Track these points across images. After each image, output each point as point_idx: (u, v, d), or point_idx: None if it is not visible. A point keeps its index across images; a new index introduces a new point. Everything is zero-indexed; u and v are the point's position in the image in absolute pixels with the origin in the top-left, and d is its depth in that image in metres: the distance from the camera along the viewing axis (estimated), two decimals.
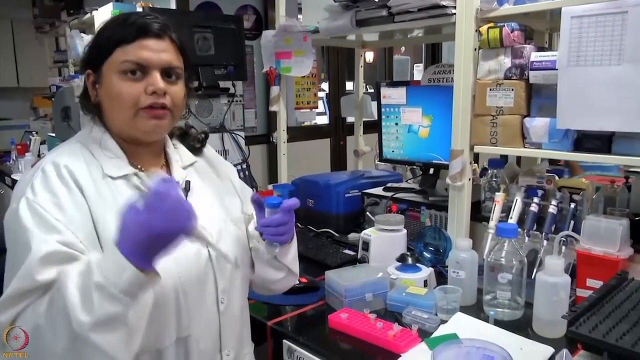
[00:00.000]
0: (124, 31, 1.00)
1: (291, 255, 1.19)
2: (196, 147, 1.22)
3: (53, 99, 3.83)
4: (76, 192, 0.96)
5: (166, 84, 1.01)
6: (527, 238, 1.48)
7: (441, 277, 1.52)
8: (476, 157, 1.70)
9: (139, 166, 1.06)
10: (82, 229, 0.94)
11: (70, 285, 0.83)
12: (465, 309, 1.33)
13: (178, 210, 0.83)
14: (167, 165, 1.13)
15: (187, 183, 1.12)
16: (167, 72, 1.02)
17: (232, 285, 1.11)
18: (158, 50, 1.01)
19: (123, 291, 0.81)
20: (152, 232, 0.81)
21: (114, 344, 0.83)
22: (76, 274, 0.84)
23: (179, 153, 1.16)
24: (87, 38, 3.78)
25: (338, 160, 4.45)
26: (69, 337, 0.81)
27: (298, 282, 1.46)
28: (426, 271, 1.46)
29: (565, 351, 1.01)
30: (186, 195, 1.09)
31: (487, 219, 1.54)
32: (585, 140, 1.32)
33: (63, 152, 1.03)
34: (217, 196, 1.18)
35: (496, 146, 1.47)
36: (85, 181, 0.98)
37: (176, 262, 0.98)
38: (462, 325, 1.24)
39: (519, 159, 2.04)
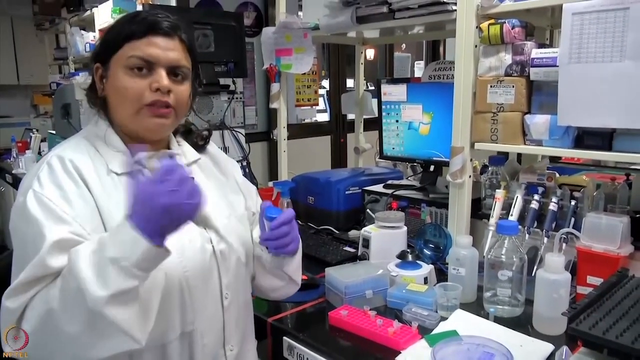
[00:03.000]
0: (134, 27, 1.01)
1: (295, 265, 1.19)
2: (199, 144, 1.22)
3: (53, 97, 3.84)
4: (82, 186, 0.96)
5: (171, 83, 1.01)
6: (527, 235, 1.47)
7: (441, 274, 1.52)
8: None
9: None
10: (89, 222, 0.94)
11: (82, 263, 0.83)
12: (465, 306, 1.33)
13: (187, 184, 0.84)
14: None
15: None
16: (174, 71, 1.03)
17: (236, 281, 1.12)
18: (166, 49, 1.01)
19: (136, 265, 0.82)
20: (164, 204, 0.81)
21: (129, 319, 0.84)
22: (88, 252, 0.85)
23: (182, 150, 1.16)
24: (88, 35, 3.78)
25: (338, 158, 4.44)
26: (84, 317, 0.82)
27: None
28: (426, 268, 1.46)
29: (565, 348, 1.01)
30: None
31: (488, 216, 1.54)
32: (586, 137, 1.32)
33: (68, 147, 1.03)
34: (221, 193, 1.18)
35: (497, 143, 1.47)
36: (91, 176, 0.98)
37: (181, 256, 0.99)
38: (462, 322, 1.24)
39: (519, 156, 2.03)
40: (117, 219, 0.90)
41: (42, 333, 0.86)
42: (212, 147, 1.27)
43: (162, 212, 0.82)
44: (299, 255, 1.20)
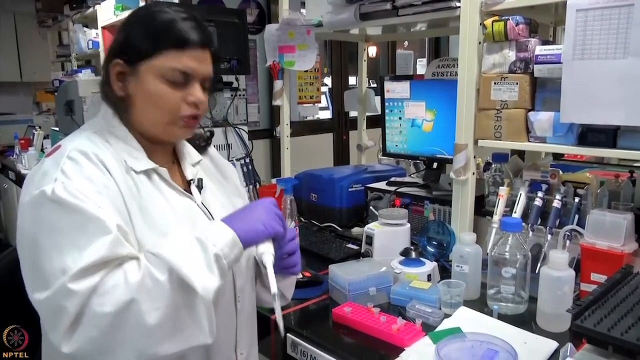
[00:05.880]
0: (173, 36, 0.97)
1: (290, 282, 1.20)
2: (201, 145, 1.22)
3: (56, 94, 3.84)
4: (110, 179, 0.94)
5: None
6: (531, 232, 1.47)
7: (445, 272, 1.52)
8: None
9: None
10: (120, 217, 0.92)
11: (181, 255, 0.86)
12: (469, 303, 1.33)
13: (282, 220, 1.01)
14: (177, 163, 1.13)
15: (200, 180, 1.12)
16: (203, 83, 1.03)
17: (246, 284, 1.12)
18: (202, 61, 1.00)
19: (230, 265, 0.91)
20: (265, 229, 0.96)
21: (212, 315, 0.89)
22: (182, 246, 0.88)
23: (187, 151, 1.16)
24: (90, 32, 3.79)
25: (341, 155, 4.44)
26: (168, 309, 0.83)
27: (302, 276, 1.47)
28: (430, 265, 1.46)
29: (569, 345, 1.01)
30: (200, 192, 1.11)
31: (491, 213, 1.53)
32: (590, 134, 1.31)
33: (83, 141, 0.98)
34: (225, 196, 1.18)
35: (500, 140, 1.47)
36: (115, 171, 0.96)
37: None
38: (465, 319, 1.24)
39: (522, 152, 2.03)
40: (140, 217, 0.94)
41: (119, 321, 0.81)
42: (212, 149, 1.26)
43: (262, 233, 0.96)
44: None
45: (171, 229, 0.98)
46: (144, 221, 0.96)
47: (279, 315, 0.94)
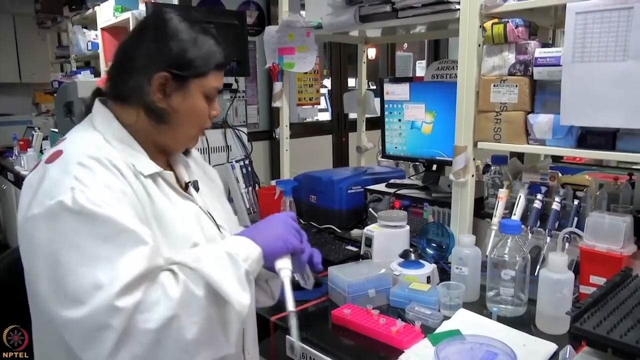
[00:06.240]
0: (219, 58, 1.04)
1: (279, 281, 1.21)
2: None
3: (55, 95, 3.83)
4: (126, 184, 0.92)
5: None
6: (530, 234, 1.47)
7: (444, 274, 1.52)
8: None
9: None
10: (140, 221, 0.90)
11: (218, 272, 0.87)
12: (468, 305, 1.33)
13: (300, 234, 1.06)
14: (170, 166, 1.13)
15: (195, 182, 1.12)
16: None
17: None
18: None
19: (253, 279, 0.93)
20: (284, 245, 1.00)
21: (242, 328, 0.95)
22: (218, 262, 0.89)
23: (179, 154, 1.16)
24: (90, 33, 3.79)
25: (340, 157, 4.45)
26: (204, 324, 0.84)
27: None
28: (429, 267, 1.46)
29: (569, 347, 1.01)
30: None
31: (490, 216, 1.53)
32: (589, 137, 1.32)
33: (88, 145, 0.95)
34: (216, 198, 1.19)
35: (500, 142, 1.47)
36: (128, 175, 0.94)
37: None
38: (465, 321, 1.24)
39: (521, 155, 2.03)
40: (156, 225, 0.95)
41: (161, 336, 0.81)
42: (195, 151, 1.26)
43: (283, 250, 1.00)
44: None
45: (185, 235, 0.99)
46: (159, 227, 0.96)
47: (294, 333, 0.95)
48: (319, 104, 4.38)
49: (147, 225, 0.91)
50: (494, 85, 1.45)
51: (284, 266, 1.00)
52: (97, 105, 1.04)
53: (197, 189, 1.12)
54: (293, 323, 0.96)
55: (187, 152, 1.19)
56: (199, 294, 0.84)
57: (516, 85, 1.41)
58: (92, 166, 0.89)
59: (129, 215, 0.87)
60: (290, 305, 0.96)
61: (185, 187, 1.11)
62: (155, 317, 0.80)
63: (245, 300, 0.88)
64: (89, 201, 0.83)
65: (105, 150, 0.94)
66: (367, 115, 2.55)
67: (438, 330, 1.21)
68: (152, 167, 1.00)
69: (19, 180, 3.66)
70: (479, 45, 1.48)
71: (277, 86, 2.22)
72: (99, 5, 3.34)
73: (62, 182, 0.86)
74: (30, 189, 0.89)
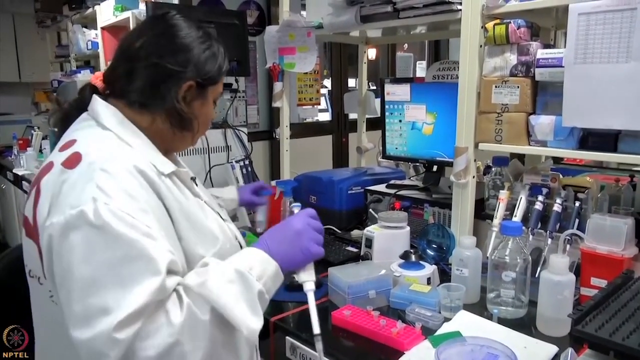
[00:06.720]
0: (227, 66, 1.08)
1: None
2: None
3: (55, 94, 3.83)
4: (151, 192, 0.90)
5: None
6: (531, 236, 1.47)
7: (444, 275, 1.52)
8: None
9: None
10: (167, 237, 0.88)
11: (225, 295, 0.84)
12: (468, 307, 1.33)
13: (321, 233, 1.03)
14: None
15: (194, 179, 1.12)
16: None
17: None
18: None
19: (270, 298, 0.92)
20: (304, 256, 0.98)
21: (253, 352, 0.93)
22: (224, 282, 0.86)
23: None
24: (89, 33, 3.78)
25: (340, 158, 4.45)
26: (208, 348, 0.82)
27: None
28: (429, 269, 1.45)
29: (570, 350, 1.00)
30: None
31: (491, 217, 1.53)
32: (590, 139, 1.31)
33: (110, 148, 0.93)
34: (207, 194, 1.20)
35: (501, 144, 1.46)
36: (152, 177, 0.92)
37: (222, 258, 0.97)
38: (465, 323, 1.24)
39: (522, 156, 2.03)
40: (187, 226, 0.95)
41: None
42: None
43: (302, 263, 0.98)
44: None
45: (210, 230, 1.01)
46: (191, 226, 0.96)
47: (321, 356, 0.93)
48: (319, 104, 4.38)
49: (174, 231, 0.92)
50: (496, 86, 1.44)
51: (307, 279, 0.95)
52: (102, 103, 1.01)
53: (196, 184, 1.13)
54: (319, 348, 0.93)
55: None
56: (204, 319, 0.82)
57: (518, 86, 1.41)
58: (116, 172, 0.86)
59: (152, 228, 0.84)
60: (316, 328, 0.94)
61: None
62: (156, 344, 0.78)
63: (255, 325, 0.85)
64: (112, 214, 0.81)
65: (127, 153, 0.93)
66: (367, 116, 2.55)
67: (438, 331, 1.21)
68: (170, 166, 1.00)
69: (18, 180, 3.65)
70: (481, 46, 1.47)
71: (278, 86, 2.22)
72: (99, 4, 3.33)
73: (84, 190, 0.83)
74: (50, 192, 0.88)
